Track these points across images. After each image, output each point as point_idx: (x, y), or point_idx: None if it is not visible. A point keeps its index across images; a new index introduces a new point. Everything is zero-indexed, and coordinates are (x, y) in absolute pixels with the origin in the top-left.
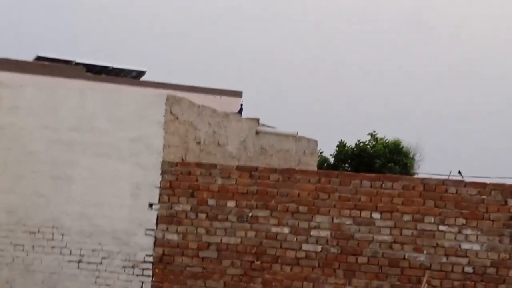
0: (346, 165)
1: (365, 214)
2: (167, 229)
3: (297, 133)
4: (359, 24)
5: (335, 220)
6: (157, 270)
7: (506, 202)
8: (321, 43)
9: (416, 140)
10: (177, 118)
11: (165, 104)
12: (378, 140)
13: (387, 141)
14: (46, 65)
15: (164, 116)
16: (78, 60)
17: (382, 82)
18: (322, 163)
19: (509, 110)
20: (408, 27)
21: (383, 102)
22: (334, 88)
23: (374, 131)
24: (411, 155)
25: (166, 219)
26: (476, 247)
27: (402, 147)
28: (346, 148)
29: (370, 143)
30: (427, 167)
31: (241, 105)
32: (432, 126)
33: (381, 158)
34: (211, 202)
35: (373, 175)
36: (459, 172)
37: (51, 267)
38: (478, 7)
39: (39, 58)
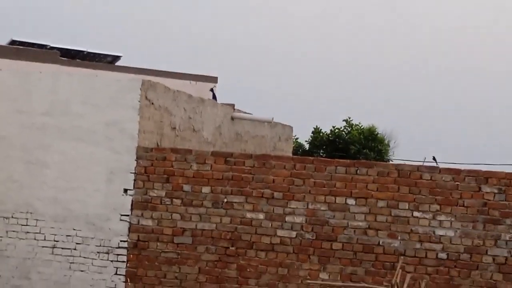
0: (321, 151)
1: (340, 200)
2: (142, 214)
3: (272, 119)
4: (333, 9)
5: (310, 206)
6: (131, 256)
7: (480, 189)
8: (298, 29)
9: (391, 127)
10: (152, 103)
11: (140, 89)
12: (353, 126)
13: (362, 127)
14: (20, 49)
15: (139, 101)
16: (53, 45)
17: (357, 68)
18: (297, 149)
19: (483, 97)
20: (381, 11)
21: (358, 89)
22: (309, 74)
23: (349, 118)
24: (385, 142)
25: (141, 204)
26: (450, 233)
27: (377, 134)
28: (321, 134)
29: (345, 130)
30: (402, 154)
31: (212, 91)
32: (406, 113)
33: (356, 145)
34: (186, 188)
35: (348, 161)
36: (434, 158)
37: (25, 253)
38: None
39: (13, 42)
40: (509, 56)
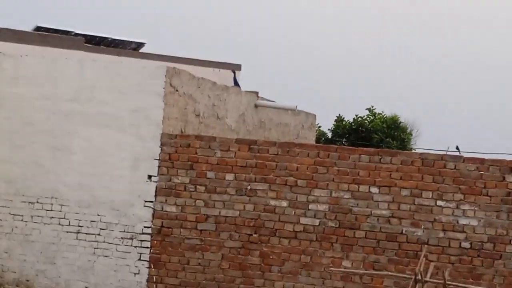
0: (344, 139)
1: (363, 188)
2: (166, 201)
3: (296, 107)
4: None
5: (333, 194)
6: (155, 242)
7: (504, 178)
8: (322, 19)
9: (413, 116)
10: (177, 90)
11: (165, 76)
12: (376, 115)
13: (385, 116)
14: (45, 36)
15: (163, 88)
16: (77, 31)
17: (381, 57)
18: (320, 137)
19: (506, 87)
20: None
21: (382, 77)
22: (332, 63)
23: (372, 106)
24: (408, 131)
25: (165, 191)
26: (474, 222)
27: (400, 123)
28: (344, 122)
29: (368, 118)
30: (424, 143)
31: (235, 79)
32: (429, 102)
33: (378, 133)
34: (210, 174)
35: (371, 149)
36: (457, 148)
37: (49, 238)
38: None
39: (38, 29)
40: None
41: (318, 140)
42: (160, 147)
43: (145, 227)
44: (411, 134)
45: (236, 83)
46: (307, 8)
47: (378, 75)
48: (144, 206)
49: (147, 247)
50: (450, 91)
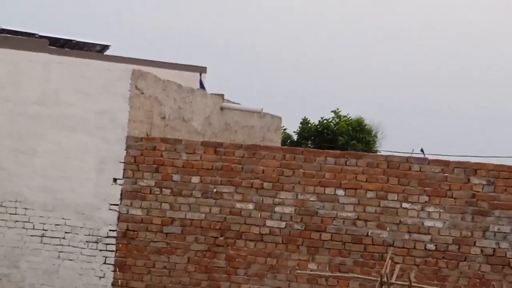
0: (309, 142)
1: (329, 190)
2: (131, 204)
3: (262, 110)
4: (321, 2)
5: (299, 197)
6: (120, 245)
7: (469, 180)
8: (286, 22)
9: (378, 118)
10: (142, 93)
11: (130, 78)
12: (342, 117)
13: (350, 118)
14: (9, 38)
15: (129, 90)
16: (41, 33)
17: (345, 60)
18: (285, 140)
19: (470, 89)
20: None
21: (346, 80)
22: (297, 65)
23: (338, 109)
24: (373, 133)
25: (130, 194)
26: (439, 224)
27: (365, 125)
28: (309, 125)
29: (333, 121)
30: (388, 145)
31: (200, 81)
32: (393, 105)
33: (344, 136)
34: (176, 177)
35: (337, 152)
36: (422, 150)
37: (13, 242)
38: None
39: (1, 31)
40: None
41: (283, 142)
42: (125, 149)
43: (110, 230)
44: (376, 137)
45: (202, 85)
46: (270, 9)
47: (344, 77)
48: (110, 209)
49: (113, 251)
50: (414, 93)
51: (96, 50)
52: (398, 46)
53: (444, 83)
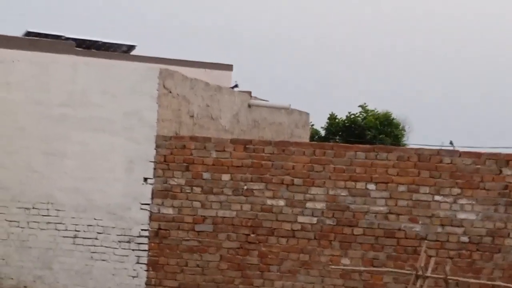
0: (337, 137)
1: (360, 185)
2: (162, 203)
3: (289, 106)
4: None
5: (330, 192)
6: (153, 245)
7: (501, 171)
8: (313, 18)
9: (405, 112)
10: (170, 92)
11: (158, 77)
12: (369, 112)
13: (377, 113)
14: (36, 40)
15: (157, 90)
16: (68, 35)
17: (373, 54)
18: (313, 135)
19: (497, 82)
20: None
21: (374, 74)
22: (325, 61)
23: (365, 103)
24: (401, 127)
25: (161, 193)
26: (472, 216)
27: (393, 119)
28: (337, 120)
29: (361, 115)
30: (416, 139)
31: (236, 82)
32: (420, 99)
33: (371, 130)
34: (206, 175)
35: (367, 146)
36: (451, 142)
37: (46, 243)
38: None
39: (28, 34)
40: None
41: (311, 138)
42: (155, 149)
43: (142, 230)
44: (404, 130)
45: (236, 87)
46: (297, 5)
47: (371, 71)
48: (141, 208)
49: (145, 250)
50: (440, 87)
51: (122, 51)
52: (423, 38)
53: (470, 74)
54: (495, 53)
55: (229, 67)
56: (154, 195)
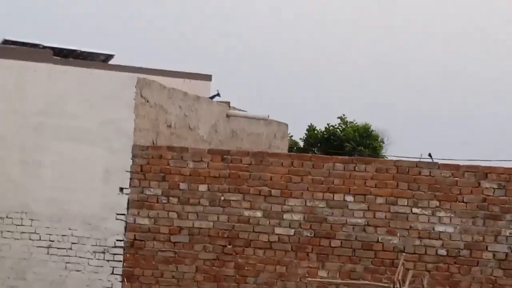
0: (316, 148)
1: (338, 197)
2: (138, 213)
3: (268, 117)
4: (329, 9)
5: (308, 203)
6: (128, 255)
7: (479, 184)
8: (293, 28)
9: (384, 124)
10: (148, 101)
11: (135, 87)
12: (348, 123)
13: (356, 124)
14: (12, 49)
15: (134, 99)
16: (45, 44)
17: (351, 66)
18: (292, 147)
19: (477, 92)
20: (374, 10)
21: (352, 86)
22: (303, 72)
23: (344, 115)
24: (380, 139)
25: (137, 203)
26: (450, 229)
27: (372, 131)
28: (315, 131)
29: (339, 127)
30: (395, 151)
31: (217, 91)
32: (399, 110)
33: (350, 142)
34: (183, 186)
35: (346, 157)
36: (429, 155)
37: (20, 253)
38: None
39: (5, 42)
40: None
41: (290, 149)
42: (131, 159)
43: (117, 240)
44: (383, 142)
45: (217, 96)
46: (273, 16)
47: (350, 83)
48: (116, 219)
49: (120, 261)
50: (420, 99)
51: (100, 60)
52: (402, 53)
53: (449, 87)
54: (475, 66)
55: (208, 77)
56: (130, 205)
